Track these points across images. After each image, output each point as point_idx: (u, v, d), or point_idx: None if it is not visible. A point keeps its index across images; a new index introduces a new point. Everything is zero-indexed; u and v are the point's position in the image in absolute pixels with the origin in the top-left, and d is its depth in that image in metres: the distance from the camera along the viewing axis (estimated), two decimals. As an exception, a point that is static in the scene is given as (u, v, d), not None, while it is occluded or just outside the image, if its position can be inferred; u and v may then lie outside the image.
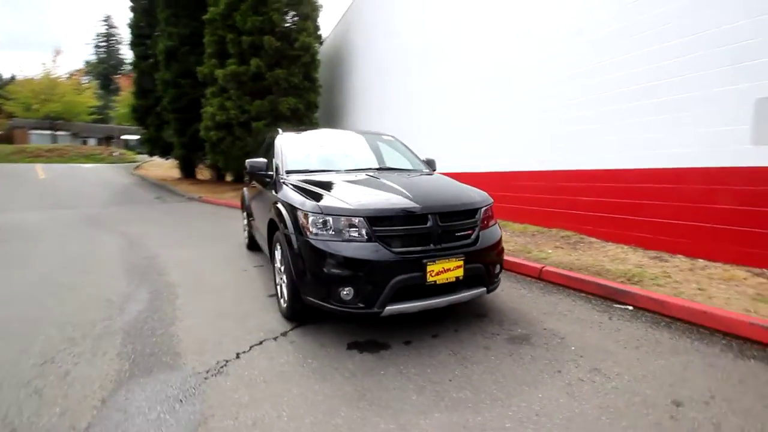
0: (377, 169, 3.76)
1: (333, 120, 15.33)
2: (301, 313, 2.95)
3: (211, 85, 13.95)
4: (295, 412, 1.94)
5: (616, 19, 4.95)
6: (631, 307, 3.24)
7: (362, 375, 2.28)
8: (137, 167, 24.00)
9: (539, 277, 4.07)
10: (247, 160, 3.74)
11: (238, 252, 5.55)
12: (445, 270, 2.57)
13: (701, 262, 4.06)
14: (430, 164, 4.25)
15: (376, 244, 2.51)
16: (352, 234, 2.54)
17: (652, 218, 4.66)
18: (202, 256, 5.28)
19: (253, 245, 5.48)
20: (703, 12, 4.09)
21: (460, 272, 2.62)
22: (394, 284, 2.47)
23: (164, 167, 22.31)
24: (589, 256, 4.65)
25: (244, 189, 5.69)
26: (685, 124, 4.28)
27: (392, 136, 4.68)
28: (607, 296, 3.45)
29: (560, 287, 3.82)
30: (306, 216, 2.66)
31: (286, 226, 2.83)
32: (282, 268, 3.06)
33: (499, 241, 2.99)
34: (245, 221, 5.71)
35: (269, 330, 2.91)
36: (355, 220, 2.55)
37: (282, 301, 3.14)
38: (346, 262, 2.47)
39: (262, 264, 4.83)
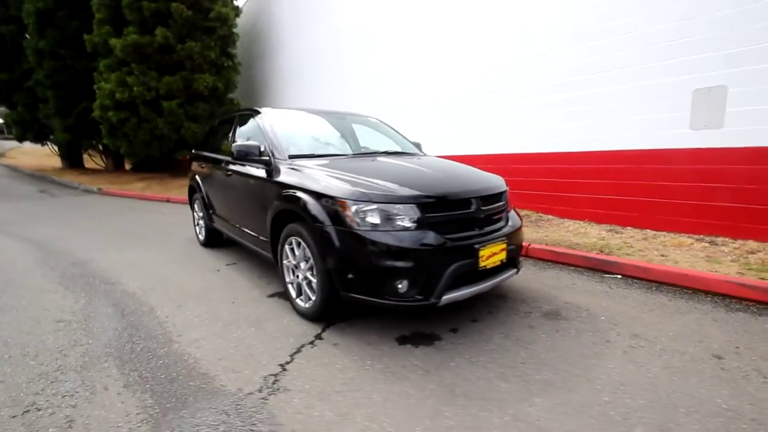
0: (384, 152, 3.55)
1: (254, 103, 14.19)
2: (331, 313, 2.69)
3: (104, 57, 11.83)
4: (398, 420, 1.76)
5: (560, 20, 5.34)
6: (619, 276, 3.62)
7: (435, 369, 2.16)
8: (0, 156, 19.50)
9: (526, 254, 4.31)
10: (234, 145, 3.21)
11: (194, 250, 4.87)
12: (493, 254, 2.55)
13: (650, 232, 4.70)
14: (419, 147, 4.16)
15: (430, 231, 2.37)
16: (403, 222, 2.36)
17: (602, 195, 5.23)
18: (150, 259, 4.51)
19: (213, 241, 4.85)
20: (638, 14, 4.62)
21: (504, 255, 2.63)
22: (452, 272, 2.37)
23: (38, 155, 18.57)
24: (554, 232, 5.06)
25: (196, 177, 4.96)
26: (631, 111, 4.85)
27: (377, 118, 4.47)
28: (594, 267, 3.79)
29: (548, 263, 4.09)
30: (346, 205, 2.39)
31: (316, 218, 2.51)
32: (303, 265, 2.74)
33: (522, 222, 3.07)
34: (200, 214, 5.00)
35: (299, 334, 2.59)
36: (405, 207, 2.37)
37: (302, 300, 2.82)
38: (402, 252, 2.29)
39: (234, 261, 4.30)
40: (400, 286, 2.31)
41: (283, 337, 2.56)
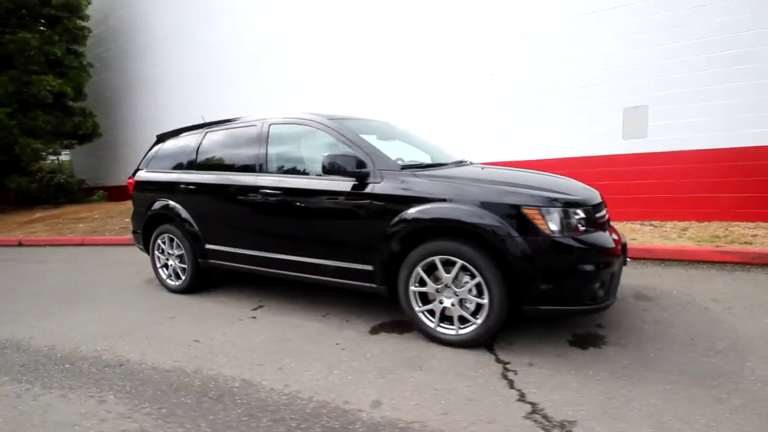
0: (458, 162, 3.39)
1: (111, 113, 11.59)
2: (493, 334, 2.47)
3: None
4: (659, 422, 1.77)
5: (512, 46, 6.15)
6: (629, 259, 4.32)
7: (630, 366, 2.23)
8: None
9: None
10: (327, 155, 2.62)
11: (177, 303, 3.72)
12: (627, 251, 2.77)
13: (603, 222, 5.74)
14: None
15: (605, 232, 2.45)
16: (582, 225, 2.36)
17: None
18: (136, 322, 3.26)
19: (200, 283, 3.80)
20: (580, 47, 5.71)
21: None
22: (619, 270, 2.49)
23: None
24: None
25: (167, 204, 3.78)
26: (576, 126, 5.88)
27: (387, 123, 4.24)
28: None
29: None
30: (536, 212, 2.26)
31: (495, 231, 2.27)
32: (450, 290, 2.44)
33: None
34: (172, 252, 3.83)
35: (475, 365, 2.30)
36: (585, 210, 2.39)
37: (451, 329, 2.49)
38: (600, 254, 2.31)
39: (258, 304, 3.45)
40: (597, 288, 2.31)
41: (473, 371, 2.23)
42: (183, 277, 3.83)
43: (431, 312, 2.58)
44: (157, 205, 3.89)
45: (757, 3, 4.69)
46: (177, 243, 3.79)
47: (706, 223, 5.22)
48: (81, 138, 10.76)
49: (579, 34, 5.74)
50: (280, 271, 3.22)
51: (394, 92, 7.29)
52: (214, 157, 3.64)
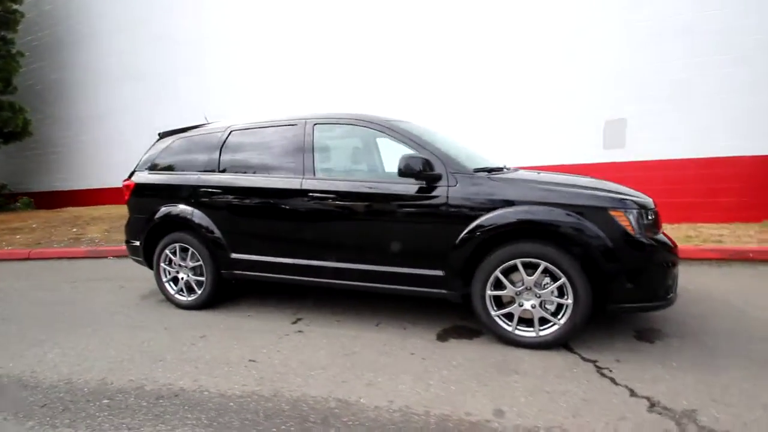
0: (507, 168, 3.38)
1: (48, 109, 10.27)
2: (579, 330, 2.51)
3: None
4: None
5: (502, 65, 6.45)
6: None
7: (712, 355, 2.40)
8: None
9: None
10: (405, 156, 2.51)
11: (197, 320, 3.33)
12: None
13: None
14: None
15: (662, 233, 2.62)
16: (651, 226, 2.51)
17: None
18: (150, 345, 2.84)
19: (218, 296, 3.45)
20: (568, 67, 6.14)
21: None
22: (677, 268, 2.69)
23: None
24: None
25: (180, 212, 3.37)
26: (562, 136, 6.28)
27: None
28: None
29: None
30: (624, 213, 2.35)
31: (584, 232, 2.33)
32: (531, 290, 2.46)
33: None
34: (184, 264, 3.43)
35: (578, 359, 2.32)
36: (653, 213, 2.53)
37: (530, 331, 2.50)
38: (669, 253, 2.47)
39: (297, 317, 3.20)
40: (670, 285, 2.45)
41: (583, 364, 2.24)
42: (198, 291, 3.43)
43: (508, 315, 2.57)
44: (166, 210, 3.46)
45: (726, 26, 5.38)
46: (192, 253, 3.39)
47: (677, 225, 5.83)
48: (7, 136, 9.27)
49: (566, 51, 6.17)
50: (330, 281, 3.01)
51: (358, 95, 7.26)
52: (242, 158, 3.32)
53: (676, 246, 2.66)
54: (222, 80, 8.52)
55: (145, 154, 3.78)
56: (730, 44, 5.30)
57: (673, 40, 5.59)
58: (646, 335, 2.67)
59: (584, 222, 2.36)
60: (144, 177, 3.66)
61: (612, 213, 2.37)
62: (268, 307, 3.47)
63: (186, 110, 7.18)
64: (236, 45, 8.39)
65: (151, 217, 3.53)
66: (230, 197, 3.25)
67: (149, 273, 4.71)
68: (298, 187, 2.98)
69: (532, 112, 6.35)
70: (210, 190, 3.30)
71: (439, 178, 2.65)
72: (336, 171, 3.06)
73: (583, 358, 2.40)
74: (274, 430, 1.86)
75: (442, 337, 2.78)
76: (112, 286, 4.34)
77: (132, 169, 3.80)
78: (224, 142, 3.39)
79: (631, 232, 2.36)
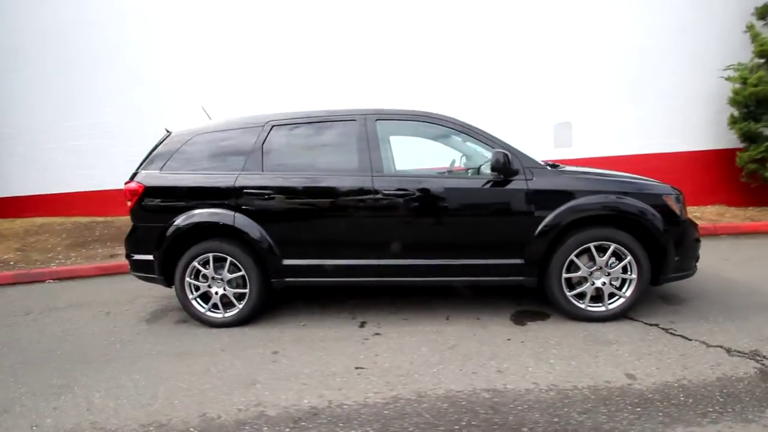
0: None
1: None
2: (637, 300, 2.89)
3: None
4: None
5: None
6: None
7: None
8: None
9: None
10: (496, 152, 2.61)
11: (247, 336, 3.00)
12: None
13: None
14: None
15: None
16: (684, 208, 3.02)
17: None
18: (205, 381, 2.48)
19: (259, 309, 3.16)
20: (521, 75, 6.84)
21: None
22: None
23: None
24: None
25: (221, 211, 2.97)
26: (517, 137, 6.96)
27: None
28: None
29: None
30: (671, 199, 2.81)
31: (650, 216, 2.73)
32: (600, 272, 2.80)
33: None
34: (220, 276, 3.03)
35: (643, 325, 2.69)
36: (683, 198, 3.04)
37: (592, 306, 2.84)
38: (696, 231, 2.99)
39: (363, 321, 3.08)
40: (697, 258, 2.99)
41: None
42: (239, 305, 3.06)
43: (580, 295, 2.87)
44: (196, 216, 3.00)
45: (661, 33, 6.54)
46: (231, 262, 3.02)
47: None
48: None
49: (519, 58, 6.87)
50: (401, 279, 2.98)
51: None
52: (290, 155, 3.06)
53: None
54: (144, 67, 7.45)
55: (154, 151, 3.22)
56: (662, 57, 6.47)
57: (617, 50, 6.61)
58: (671, 300, 3.21)
59: (648, 207, 2.77)
60: (157, 178, 3.11)
61: (665, 199, 2.83)
62: (314, 314, 3.25)
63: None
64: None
65: (168, 224, 3.03)
66: (284, 199, 2.97)
67: (131, 293, 4.13)
68: (369, 186, 2.88)
69: (490, 115, 6.92)
70: (257, 191, 2.97)
71: (516, 172, 2.83)
72: (403, 168, 3.03)
73: (647, 324, 2.81)
74: (457, 427, 1.84)
75: (519, 321, 2.97)
76: (95, 312, 3.58)
77: (135, 171, 3.20)
78: (265, 139, 3.08)
79: (677, 214, 2.84)
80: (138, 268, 3.22)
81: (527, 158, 2.91)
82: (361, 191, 2.90)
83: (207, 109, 3.66)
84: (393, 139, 3.54)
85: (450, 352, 2.55)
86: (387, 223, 2.93)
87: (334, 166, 3.03)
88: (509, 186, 2.83)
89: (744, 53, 5.92)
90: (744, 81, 5.70)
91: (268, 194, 2.98)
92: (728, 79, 5.91)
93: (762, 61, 5.74)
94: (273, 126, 3.11)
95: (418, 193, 2.88)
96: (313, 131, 3.11)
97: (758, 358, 2.29)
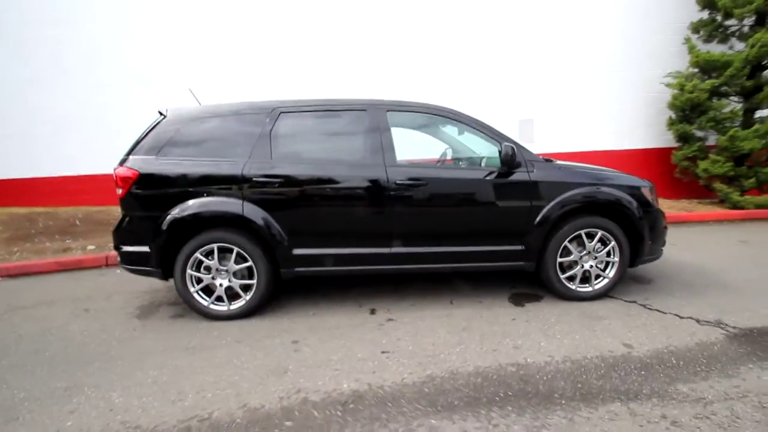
0: None
1: None
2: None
3: None
4: None
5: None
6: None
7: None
8: None
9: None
10: (506, 144, 2.79)
11: (258, 328, 2.95)
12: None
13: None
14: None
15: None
16: (656, 199, 3.42)
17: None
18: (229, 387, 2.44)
19: (269, 299, 3.13)
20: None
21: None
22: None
23: None
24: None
25: (227, 199, 2.86)
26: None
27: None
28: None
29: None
30: (645, 190, 3.18)
31: (630, 205, 3.07)
32: (588, 256, 3.12)
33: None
34: (226, 266, 2.95)
35: (622, 303, 3.04)
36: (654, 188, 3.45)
37: (582, 286, 3.17)
38: (664, 218, 3.40)
39: (372, 308, 3.15)
40: (664, 243, 3.42)
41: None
42: (246, 297, 2.99)
43: (570, 278, 3.17)
44: (199, 205, 2.87)
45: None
46: (238, 253, 2.93)
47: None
48: None
49: (490, 58, 7.18)
50: (411, 266, 3.09)
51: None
52: (301, 144, 3.02)
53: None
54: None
55: (145, 135, 2.99)
56: (612, 64, 7.10)
57: (573, 55, 7.15)
58: (641, 280, 3.65)
59: (629, 198, 3.11)
60: (152, 164, 2.91)
61: (643, 191, 3.19)
62: (323, 305, 3.27)
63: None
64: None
65: (164, 214, 2.87)
66: (295, 188, 2.94)
67: (103, 289, 3.94)
68: (383, 176, 2.94)
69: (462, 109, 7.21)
70: (266, 180, 2.90)
71: (519, 165, 3.04)
72: (414, 159, 3.11)
73: (627, 301, 3.18)
74: (497, 398, 2.00)
75: (517, 303, 3.21)
76: (72, 310, 3.28)
77: (124, 156, 2.97)
78: (273, 126, 3.00)
79: (652, 204, 3.23)
80: (130, 260, 3.01)
81: (528, 152, 3.14)
82: (375, 181, 2.95)
83: (195, 94, 3.47)
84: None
85: (465, 333, 2.71)
86: (399, 212, 3.01)
87: (344, 156, 3.05)
88: (513, 177, 3.04)
89: (682, 63, 6.71)
90: (681, 88, 6.48)
91: (279, 183, 2.93)
92: (668, 85, 6.68)
93: (696, 70, 6.55)
94: (281, 113, 3.05)
95: (430, 184, 2.99)
96: (323, 120, 3.10)
97: (722, 326, 2.71)
